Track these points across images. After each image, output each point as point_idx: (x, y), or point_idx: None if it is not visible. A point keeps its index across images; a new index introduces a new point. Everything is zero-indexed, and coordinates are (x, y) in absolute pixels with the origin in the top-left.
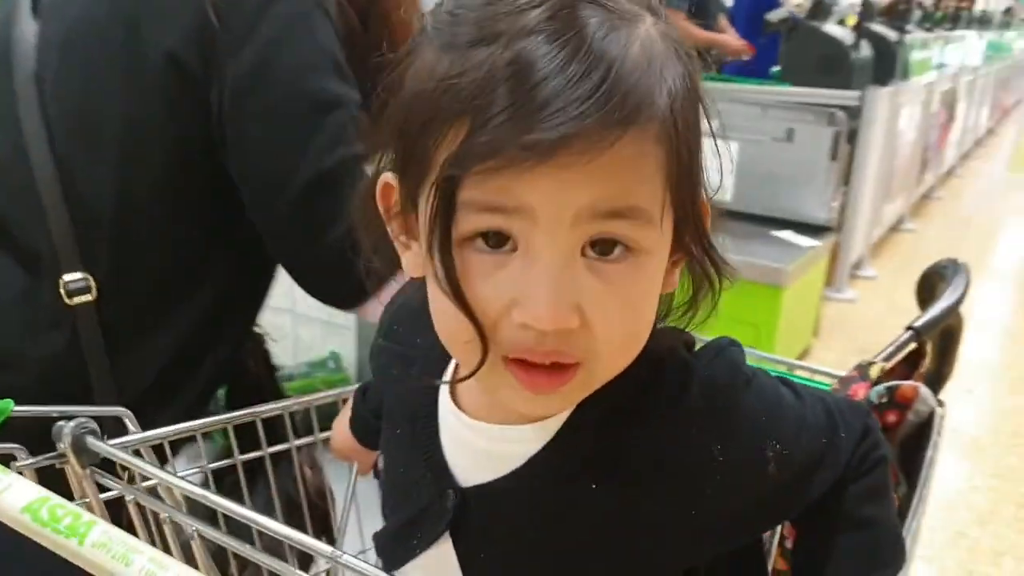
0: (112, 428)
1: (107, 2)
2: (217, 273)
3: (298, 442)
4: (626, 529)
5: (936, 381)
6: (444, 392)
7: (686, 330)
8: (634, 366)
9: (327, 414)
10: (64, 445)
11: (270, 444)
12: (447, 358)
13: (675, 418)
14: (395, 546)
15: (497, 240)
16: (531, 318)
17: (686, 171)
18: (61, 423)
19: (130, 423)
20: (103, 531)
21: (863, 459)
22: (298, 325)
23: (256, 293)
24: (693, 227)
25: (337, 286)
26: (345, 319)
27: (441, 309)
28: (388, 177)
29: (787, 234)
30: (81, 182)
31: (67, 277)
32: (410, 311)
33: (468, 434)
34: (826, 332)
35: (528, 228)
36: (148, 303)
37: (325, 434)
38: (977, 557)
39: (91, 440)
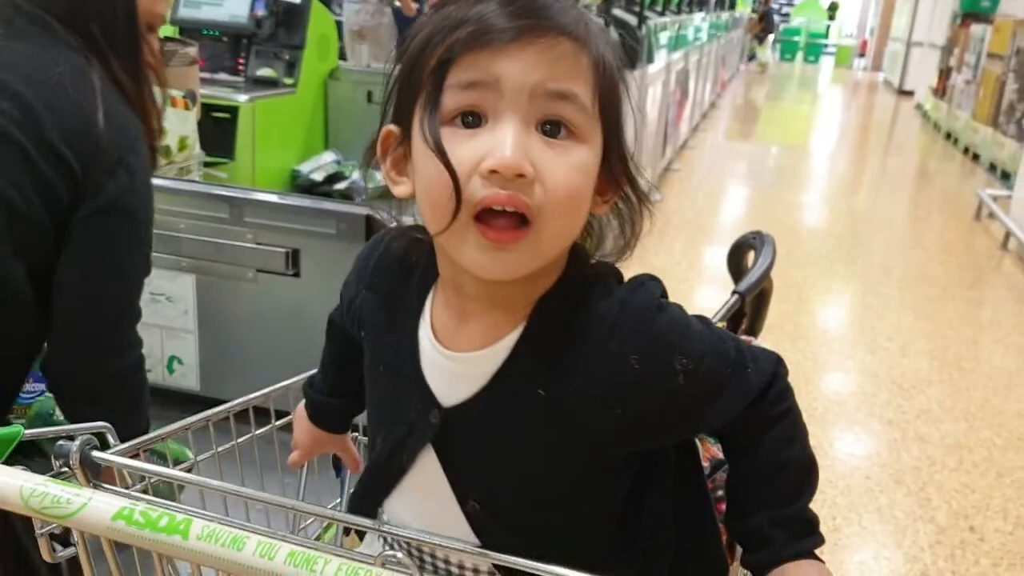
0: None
1: (10, 100)
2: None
3: (278, 423)
4: (567, 426)
5: (751, 333)
6: (424, 329)
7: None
8: (568, 288)
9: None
10: (73, 462)
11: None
12: (424, 299)
13: (600, 334)
14: (385, 470)
15: (472, 120)
16: (495, 162)
17: (610, 102)
18: (62, 443)
19: (111, 436)
20: (204, 523)
21: (774, 404)
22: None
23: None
24: (617, 153)
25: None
26: (184, 324)
27: (426, 175)
28: (389, 127)
29: None
30: None
31: None
32: (391, 263)
33: (444, 361)
34: None
35: (495, 100)
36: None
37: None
38: None
39: (97, 454)
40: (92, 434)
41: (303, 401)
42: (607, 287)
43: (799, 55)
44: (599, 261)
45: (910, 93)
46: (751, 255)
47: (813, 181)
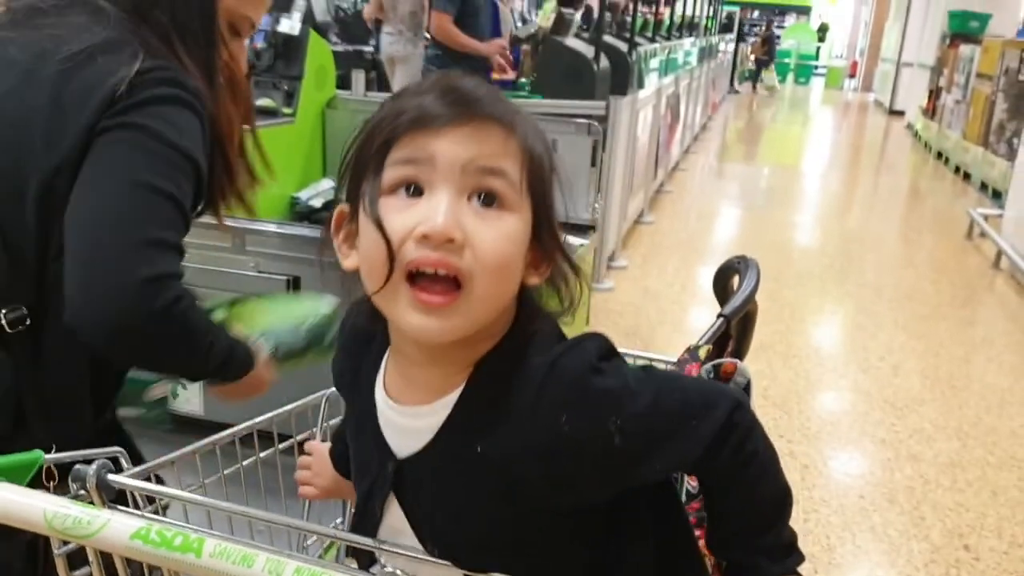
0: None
1: (34, 83)
2: None
3: (299, 437)
4: (503, 481)
5: (738, 356)
6: (379, 387)
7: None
8: (508, 348)
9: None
10: (89, 485)
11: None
12: (380, 360)
13: (532, 396)
14: (364, 517)
15: (411, 190)
16: (427, 227)
17: (538, 181)
18: (79, 466)
19: (124, 460)
20: (216, 542)
21: (737, 451)
22: None
23: None
24: (548, 228)
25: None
26: None
27: (366, 241)
28: (341, 206)
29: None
30: (13, 237)
31: (5, 310)
32: (359, 329)
33: (393, 415)
34: (594, 320)
35: (431, 174)
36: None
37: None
38: None
39: (112, 477)
40: (107, 458)
41: (322, 446)
42: (544, 348)
43: (789, 77)
44: (545, 319)
45: (901, 113)
46: (736, 279)
47: (805, 201)
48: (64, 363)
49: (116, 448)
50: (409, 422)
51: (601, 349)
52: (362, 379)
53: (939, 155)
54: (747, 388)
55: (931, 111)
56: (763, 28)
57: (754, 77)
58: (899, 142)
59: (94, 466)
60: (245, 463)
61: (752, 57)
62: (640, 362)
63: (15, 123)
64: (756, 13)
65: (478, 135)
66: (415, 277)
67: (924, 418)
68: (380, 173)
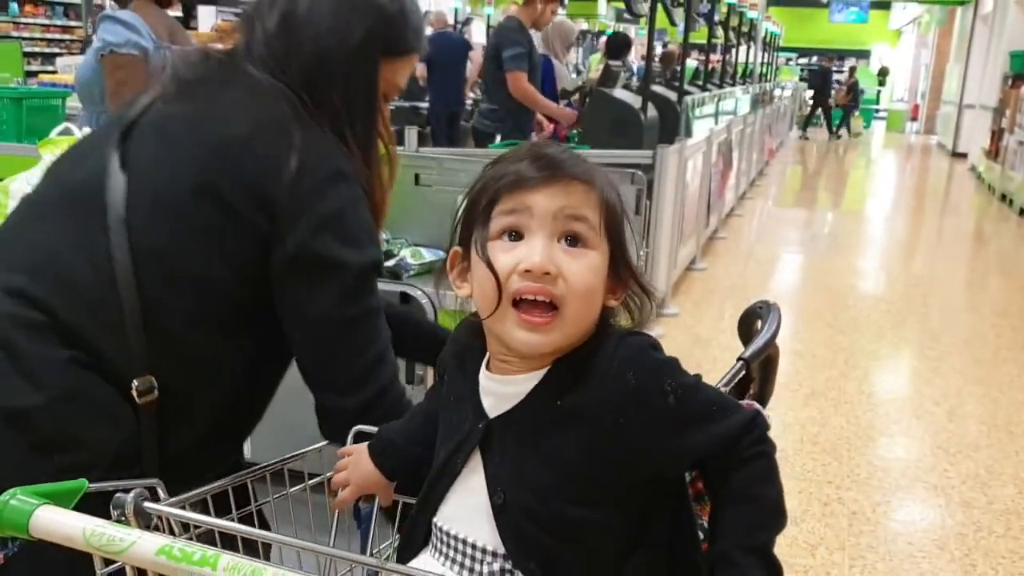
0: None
1: (194, 170)
2: (245, 379)
3: (329, 474)
4: (577, 428)
5: (761, 402)
6: (483, 370)
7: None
8: (587, 341)
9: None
10: (127, 511)
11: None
12: (484, 355)
13: (605, 361)
14: (445, 474)
15: (513, 236)
16: (529, 263)
17: (613, 224)
18: (119, 495)
19: (161, 491)
20: (229, 558)
21: (750, 448)
22: None
23: (268, 393)
24: (623, 261)
25: (340, 408)
26: None
27: (479, 276)
28: (455, 248)
29: None
30: (159, 313)
31: (136, 382)
32: (465, 333)
33: (492, 385)
34: None
35: (528, 221)
36: (194, 402)
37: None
38: (796, 552)
39: (148, 505)
40: (145, 488)
41: (360, 444)
42: (611, 337)
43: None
44: (614, 330)
45: (963, 155)
46: (759, 323)
47: (863, 246)
48: (183, 430)
49: (154, 480)
50: (504, 388)
51: (655, 341)
52: (467, 367)
53: (1003, 197)
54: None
55: (994, 152)
56: (848, 76)
57: (838, 124)
58: (962, 184)
59: (132, 494)
60: (275, 496)
61: (833, 104)
62: None
63: (174, 211)
64: (815, 58)
65: (565, 190)
66: (518, 303)
67: (979, 464)
68: (488, 223)
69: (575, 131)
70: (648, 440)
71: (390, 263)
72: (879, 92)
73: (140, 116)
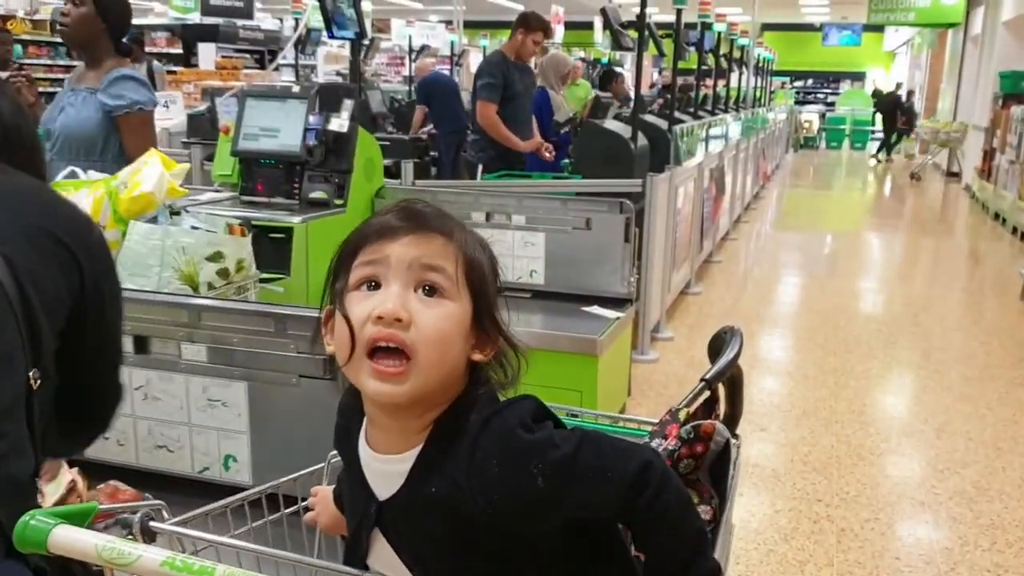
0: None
1: (27, 217)
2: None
3: (302, 504)
4: (454, 516)
5: (731, 421)
6: (362, 442)
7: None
8: (456, 411)
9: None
10: (134, 530)
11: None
12: (362, 419)
13: (472, 447)
14: (353, 549)
15: (371, 285)
16: (381, 310)
17: (475, 277)
18: (126, 515)
19: (165, 511)
20: (225, 567)
21: (651, 504)
22: (193, 435)
23: None
24: (487, 314)
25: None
26: (238, 426)
27: (338, 328)
28: (328, 306)
29: (595, 308)
30: (35, 316)
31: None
32: (348, 403)
33: (373, 462)
34: (637, 390)
35: (386, 271)
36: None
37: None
38: (786, 569)
39: (154, 524)
40: (151, 509)
41: (325, 489)
42: (482, 408)
43: (845, 142)
44: (487, 388)
45: (957, 175)
46: (724, 347)
47: (857, 267)
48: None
49: (158, 502)
50: (384, 467)
51: (533, 410)
52: (352, 437)
53: (996, 215)
54: (727, 447)
55: (986, 172)
56: (904, 99)
57: (889, 147)
58: (956, 204)
59: (139, 515)
60: (271, 518)
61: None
62: (626, 424)
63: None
64: (811, 81)
65: (422, 241)
66: (373, 353)
67: (966, 480)
68: (348, 274)
69: (567, 161)
70: (524, 521)
71: None
72: (874, 114)
73: None
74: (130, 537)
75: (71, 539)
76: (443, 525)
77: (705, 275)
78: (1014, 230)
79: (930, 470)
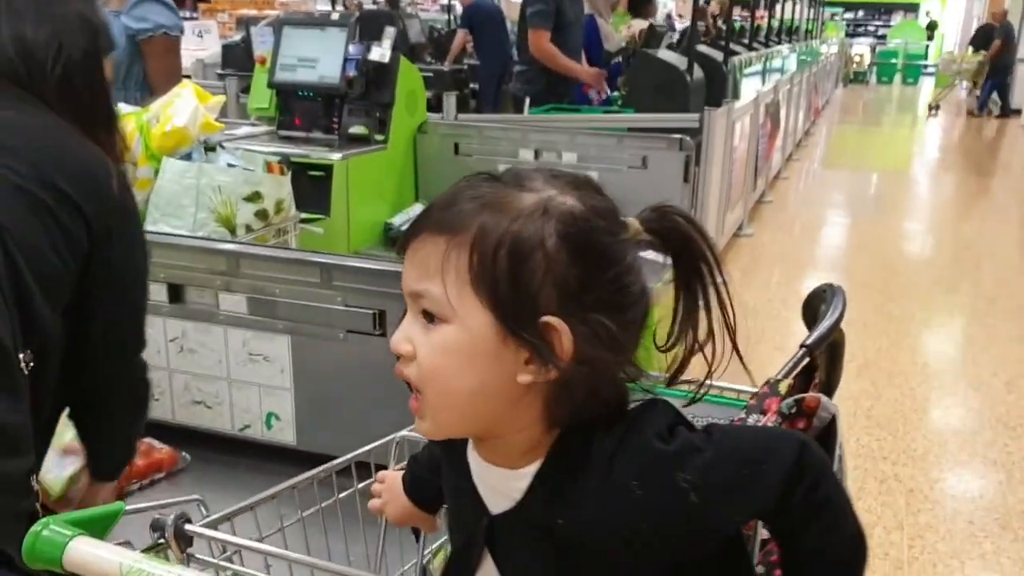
0: None
1: (26, 166)
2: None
3: (360, 485)
4: (590, 555)
5: (826, 390)
6: (471, 448)
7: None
8: (576, 429)
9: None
10: (168, 535)
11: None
12: None
13: (606, 469)
14: (460, 567)
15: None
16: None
17: (492, 279)
18: (158, 516)
19: (202, 508)
20: None
21: (808, 496)
22: (233, 391)
23: None
24: (527, 321)
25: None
26: (281, 382)
27: None
28: None
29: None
30: (24, 288)
31: (22, 354)
32: None
33: (483, 472)
34: None
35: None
36: (51, 372)
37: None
38: None
39: (189, 527)
40: (186, 507)
41: (400, 472)
42: (610, 424)
43: (897, 77)
44: (604, 399)
45: (1018, 112)
46: (823, 307)
47: (913, 208)
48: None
49: (196, 496)
50: (497, 482)
51: (668, 416)
52: (457, 443)
53: None
54: (832, 424)
55: None
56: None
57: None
58: (1015, 142)
59: (172, 516)
60: (323, 505)
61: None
62: (719, 394)
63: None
64: (861, 12)
65: (415, 257)
66: None
67: None
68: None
69: (617, 94)
70: (675, 549)
71: None
72: (927, 47)
73: None
74: (162, 542)
75: (91, 555)
76: (562, 559)
77: (757, 216)
78: None
79: (1001, 427)
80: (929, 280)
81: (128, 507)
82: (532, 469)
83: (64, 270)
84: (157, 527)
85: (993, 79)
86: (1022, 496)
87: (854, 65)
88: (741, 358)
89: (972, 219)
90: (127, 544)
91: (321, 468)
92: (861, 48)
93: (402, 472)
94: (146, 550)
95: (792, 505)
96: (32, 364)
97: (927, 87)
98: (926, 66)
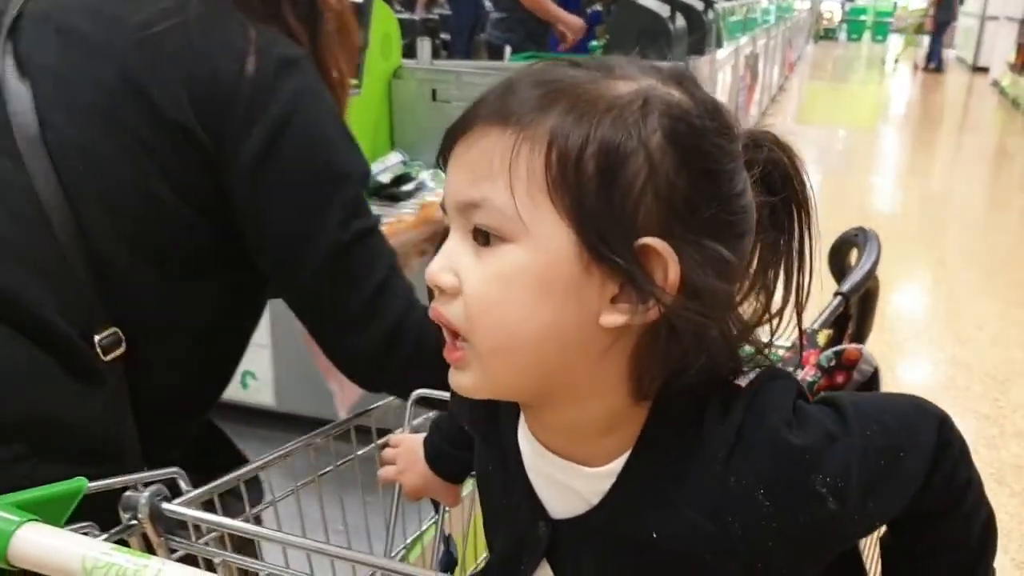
0: None
1: (114, 69)
2: (221, 325)
3: (360, 452)
4: (687, 569)
5: (859, 340)
6: (522, 429)
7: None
8: (675, 409)
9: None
10: (141, 515)
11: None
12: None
13: (721, 471)
14: (504, 572)
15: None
16: (426, 274)
17: (572, 184)
18: (130, 493)
19: (183, 482)
20: None
21: (949, 481)
22: None
23: (245, 337)
24: (618, 242)
25: (361, 350)
26: (258, 338)
27: None
28: None
29: None
30: (100, 245)
31: (98, 337)
32: None
33: (542, 462)
34: None
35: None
36: (163, 355)
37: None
38: None
39: (167, 506)
40: (162, 481)
41: (411, 438)
42: (723, 406)
43: (866, 34)
44: (724, 360)
45: (985, 70)
46: (854, 253)
47: (884, 164)
48: (160, 387)
49: (173, 469)
50: (564, 477)
51: (791, 392)
52: (500, 412)
53: None
54: (875, 377)
55: (1020, 66)
56: None
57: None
58: (984, 100)
59: (147, 493)
60: (324, 471)
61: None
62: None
63: (97, 115)
64: None
65: (467, 156)
66: None
67: None
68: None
69: (598, 43)
70: (804, 564)
71: (409, 186)
72: (895, 4)
73: (24, 6)
74: (135, 524)
75: (44, 546)
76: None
77: None
78: None
79: (990, 381)
80: (901, 234)
81: (91, 485)
82: (615, 467)
83: (172, 214)
84: (128, 506)
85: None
86: (1015, 451)
87: (824, 22)
88: (800, 322)
89: (942, 172)
90: (91, 529)
91: (316, 432)
92: (832, 5)
93: (419, 436)
94: (114, 534)
95: (930, 492)
96: (122, 348)
97: (896, 44)
98: (893, 23)
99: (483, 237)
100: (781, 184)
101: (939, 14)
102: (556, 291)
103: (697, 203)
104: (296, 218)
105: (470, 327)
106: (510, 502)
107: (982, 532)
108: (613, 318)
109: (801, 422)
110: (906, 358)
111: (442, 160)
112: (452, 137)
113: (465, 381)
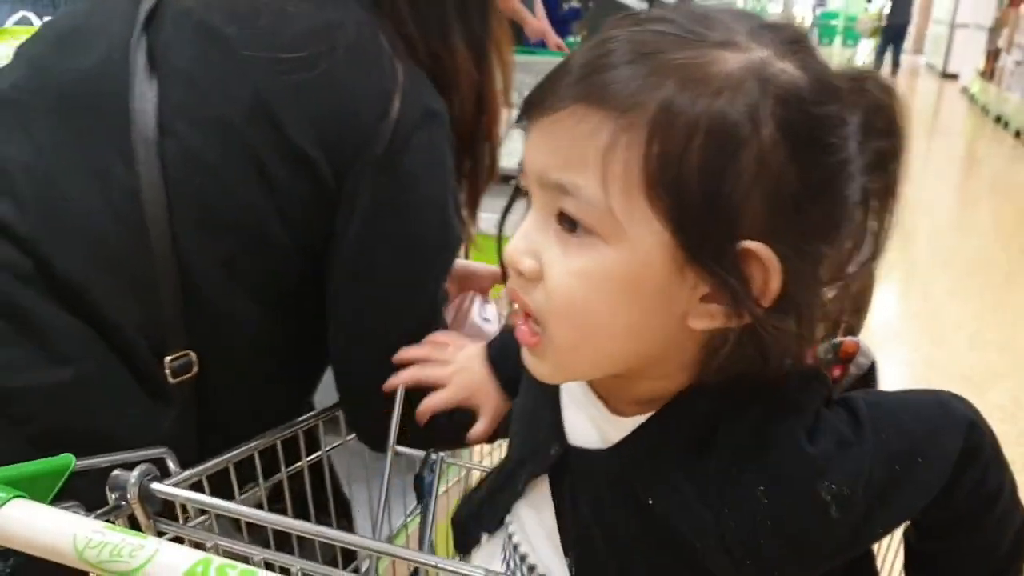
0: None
1: (251, 87)
2: (301, 353)
3: (329, 448)
4: (677, 551)
5: (853, 333)
6: None
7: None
8: (704, 394)
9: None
10: (131, 495)
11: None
12: None
13: (724, 454)
14: (506, 484)
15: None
16: (504, 253)
17: (676, 184)
18: (117, 473)
19: (171, 463)
20: None
21: (974, 492)
22: None
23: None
24: (719, 252)
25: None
26: None
27: None
28: None
29: None
30: (194, 267)
31: (170, 357)
32: None
33: (579, 393)
34: None
35: (527, 181)
36: (236, 380)
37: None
38: None
39: (157, 486)
40: (151, 461)
41: (470, 341)
42: (752, 395)
43: (837, 39)
44: (774, 354)
45: (954, 76)
46: None
47: None
48: (228, 411)
49: (162, 449)
50: (593, 412)
51: (820, 398)
52: None
53: (998, 119)
54: (872, 370)
55: (989, 73)
56: None
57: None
58: (953, 106)
59: (135, 473)
60: (310, 458)
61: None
62: None
63: (222, 130)
64: None
65: (555, 134)
66: None
67: (1004, 394)
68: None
69: (572, 39)
70: (791, 562)
71: None
72: (866, 10)
73: None
74: (123, 505)
75: (31, 526)
76: (648, 543)
77: None
78: (1017, 134)
79: (966, 383)
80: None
81: (79, 463)
82: (631, 422)
83: (276, 245)
84: (116, 486)
85: (891, 38)
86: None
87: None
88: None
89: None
90: (77, 508)
91: (306, 417)
92: (803, 7)
93: (467, 340)
94: (101, 514)
95: (955, 500)
96: (196, 369)
97: (866, 49)
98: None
99: (569, 223)
100: (885, 130)
101: (892, 16)
102: (645, 293)
103: (806, 202)
104: (405, 274)
105: (549, 319)
106: (534, 429)
107: (1014, 540)
108: (704, 322)
109: (818, 428)
110: (882, 360)
111: (525, 117)
112: (537, 108)
113: (540, 369)
